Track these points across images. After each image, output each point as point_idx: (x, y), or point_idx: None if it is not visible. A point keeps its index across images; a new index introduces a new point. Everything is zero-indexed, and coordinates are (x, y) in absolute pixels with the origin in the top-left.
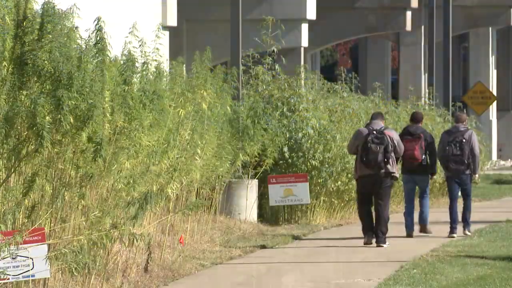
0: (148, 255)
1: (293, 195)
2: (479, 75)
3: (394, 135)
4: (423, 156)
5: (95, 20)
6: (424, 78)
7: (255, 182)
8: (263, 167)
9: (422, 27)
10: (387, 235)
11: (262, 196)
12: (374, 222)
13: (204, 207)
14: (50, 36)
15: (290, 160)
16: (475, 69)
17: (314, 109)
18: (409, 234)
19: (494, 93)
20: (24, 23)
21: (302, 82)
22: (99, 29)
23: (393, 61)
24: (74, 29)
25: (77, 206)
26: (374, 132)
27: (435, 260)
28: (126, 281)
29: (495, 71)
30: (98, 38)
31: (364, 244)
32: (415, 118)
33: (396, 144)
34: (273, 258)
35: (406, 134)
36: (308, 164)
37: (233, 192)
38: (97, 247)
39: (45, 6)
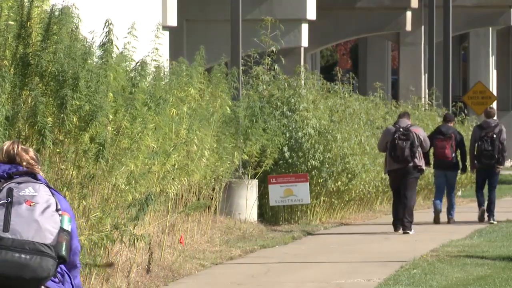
0: (149, 255)
1: (293, 195)
2: (479, 75)
3: (420, 131)
4: (453, 154)
5: (105, 23)
6: (424, 78)
7: (255, 182)
8: (263, 167)
9: (422, 27)
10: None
11: (262, 196)
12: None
13: (204, 207)
14: (56, 37)
15: (290, 160)
16: (475, 69)
17: (314, 109)
18: (436, 221)
19: (494, 93)
20: (28, 24)
21: (302, 82)
22: (108, 32)
23: (393, 61)
24: (76, 29)
25: (78, 206)
26: (401, 129)
27: (435, 260)
28: (126, 281)
29: (495, 71)
30: (106, 40)
31: (394, 231)
32: (447, 118)
33: (422, 139)
34: (273, 258)
35: (438, 134)
36: (308, 164)
37: (233, 192)
38: (98, 247)
39: (52, 7)
